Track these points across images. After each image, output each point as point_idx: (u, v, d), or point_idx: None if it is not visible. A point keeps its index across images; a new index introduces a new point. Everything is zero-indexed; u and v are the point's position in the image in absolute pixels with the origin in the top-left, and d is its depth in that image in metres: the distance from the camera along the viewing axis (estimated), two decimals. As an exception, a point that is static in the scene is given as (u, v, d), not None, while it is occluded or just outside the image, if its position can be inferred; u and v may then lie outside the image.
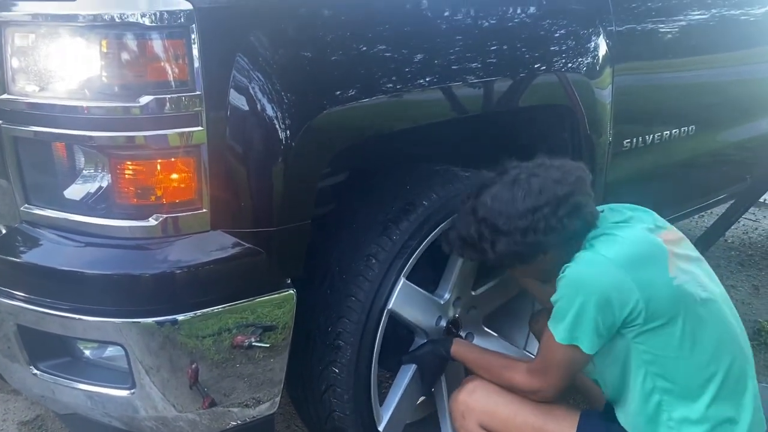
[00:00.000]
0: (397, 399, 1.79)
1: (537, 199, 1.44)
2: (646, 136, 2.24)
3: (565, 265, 1.45)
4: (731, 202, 2.82)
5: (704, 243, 2.61)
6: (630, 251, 1.42)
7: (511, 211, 1.46)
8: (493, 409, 1.61)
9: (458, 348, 1.75)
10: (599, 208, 1.57)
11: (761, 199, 4.65)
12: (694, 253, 1.57)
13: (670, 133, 2.33)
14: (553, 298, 1.46)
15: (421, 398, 1.92)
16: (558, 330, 1.44)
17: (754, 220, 4.30)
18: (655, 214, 1.60)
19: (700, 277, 1.49)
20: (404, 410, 1.83)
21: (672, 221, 2.87)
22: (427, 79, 1.58)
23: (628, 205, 1.61)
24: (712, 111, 2.57)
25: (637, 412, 1.50)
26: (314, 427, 1.86)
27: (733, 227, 4.13)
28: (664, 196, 2.59)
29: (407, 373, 1.80)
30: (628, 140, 2.17)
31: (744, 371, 1.51)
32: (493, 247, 1.49)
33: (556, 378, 1.51)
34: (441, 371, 1.82)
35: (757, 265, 3.62)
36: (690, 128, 2.40)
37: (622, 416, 1.55)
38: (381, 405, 1.77)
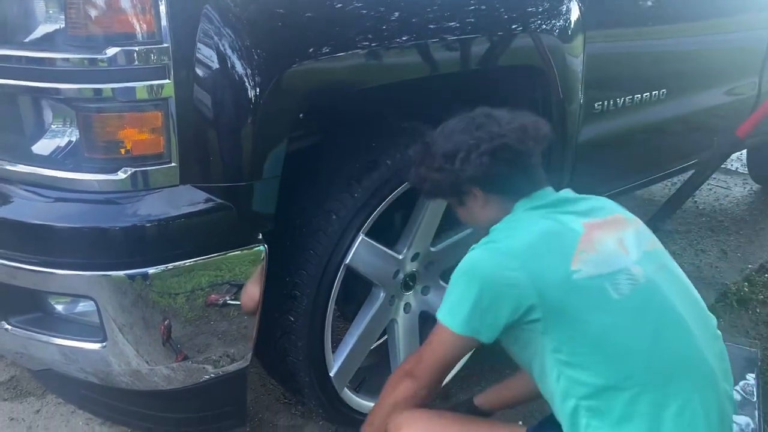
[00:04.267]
0: (349, 348, 1.83)
1: (471, 134, 1.41)
2: (618, 99, 2.26)
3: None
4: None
5: (670, 207, 2.66)
6: (526, 239, 1.32)
7: (444, 138, 1.44)
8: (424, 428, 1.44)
9: None
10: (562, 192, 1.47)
11: (733, 168, 4.76)
12: (643, 239, 1.40)
13: (641, 96, 2.35)
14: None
15: (374, 345, 1.97)
16: (440, 310, 1.36)
17: (725, 188, 4.38)
18: (601, 202, 1.47)
19: (632, 267, 1.30)
20: (356, 358, 1.87)
21: (644, 185, 2.94)
22: (404, 37, 1.57)
23: (584, 196, 1.48)
24: (683, 77, 2.59)
25: (558, 411, 1.36)
26: (268, 368, 1.91)
27: (704, 194, 4.22)
28: (636, 159, 2.63)
29: (361, 324, 1.84)
30: (599, 103, 2.19)
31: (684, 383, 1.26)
32: (417, 169, 1.48)
33: (430, 360, 1.39)
34: None
35: (727, 230, 3.69)
36: (661, 92, 2.43)
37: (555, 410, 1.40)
38: (334, 352, 1.81)
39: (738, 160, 4.80)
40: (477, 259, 1.34)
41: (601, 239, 1.33)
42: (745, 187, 4.41)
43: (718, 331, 1.42)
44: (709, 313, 1.42)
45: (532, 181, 1.44)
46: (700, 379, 1.28)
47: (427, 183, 1.47)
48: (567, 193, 1.46)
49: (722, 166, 4.71)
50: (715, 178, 4.52)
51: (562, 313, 1.26)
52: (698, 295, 1.42)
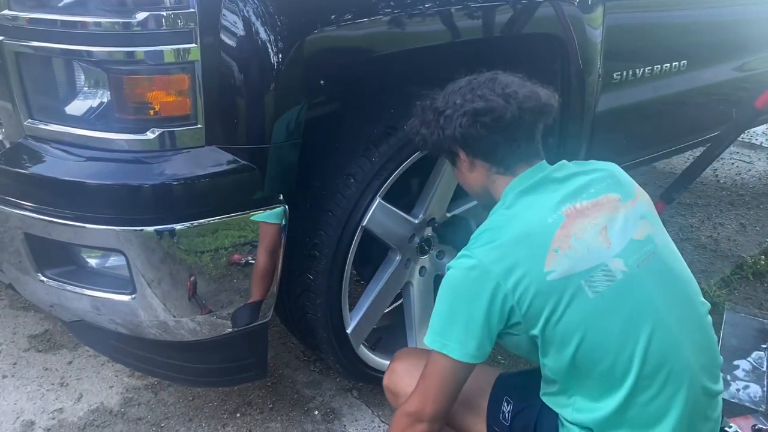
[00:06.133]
0: (365, 307, 1.88)
1: (463, 95, 1.37)
2: (637, 70, 2.26)
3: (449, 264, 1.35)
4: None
5: (686, 178, 2.64)
6: (502, 246, 1.28)
7: (442, 95, 1.42)
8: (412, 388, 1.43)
9: None
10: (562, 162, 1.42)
11: (757, 142, 4.70)
12: (631, 225, 1.34)
13: (661, 67, 2.34)
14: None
15: (389, 308, 2.02)
16: (427, 335, 1.33)
17: (748, 162, 4.33)
18: (598, 174, 1.39)
19: (610, 262, 1.27)
20: (371, 317, 1.92)
21: (662, 158, 2.93)
22: (427, 4, 1.60)
23: (586, 163, 1.44)
24: (703, 48, 2.57)
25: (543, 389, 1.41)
26: (288, 325, 1.96)
27: (726, 168, 4.19)
28: (654, 130, 2.62)
29: (377, 285, 1.89)
30: (618, 73, 2.19)
31: (665, 358, 1.27)
32: (413, 121, 1.48)
33: (431, 389, 1.32)
34: None
35: (747, 204, 3.67)
36: (681, 63, 2.41)
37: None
38: (350, 311, 1.86)
39: (763, 134, 4.74)
40: (455, 280, 1.31)
41: (581, 229, 1.29)
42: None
43: (708, 318, 1.39)
44: (703, 300, 1.40)
45: (519, 152, 1.38)
46: (672, 373, 1.27)
47: (417, 136, 1.47)
48: (560, 167, 1.40)
49: (747, 140, 4.69)
50: (738, 152, 4.47)
51: (540, 314, 1.25)
52: (690, 283, 1.39)
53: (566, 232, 1.28)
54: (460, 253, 1.33)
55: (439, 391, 1.32)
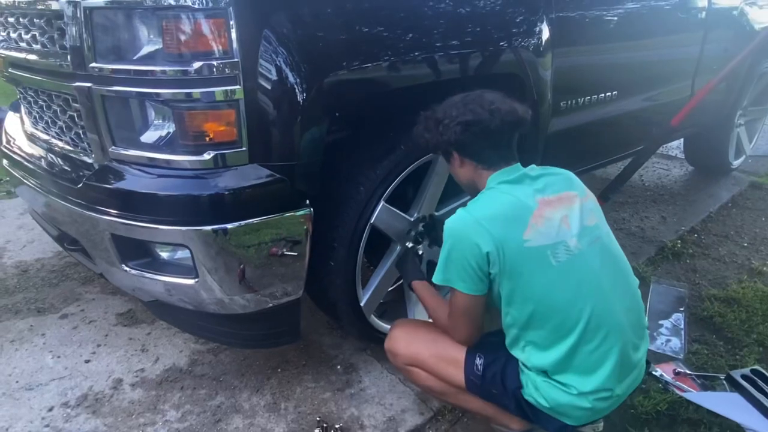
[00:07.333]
0: (374, 286, 1.87)
1: (458, 108, 1.37)
2: (579, 99, 2.24)
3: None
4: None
5: (618, 182, 2.63)
6: (493, 211, 1.29)
7: (441, 108, 1.41)
8: (406, 350, 1.53)
9: (416, 285, 1.62)
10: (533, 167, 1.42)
11: (673, 154, 4.67)
12: (585, 215, 1.34)
13: (597, 96, 2.33)
14: None
15: (393, 286, 2.01)
16: (435, 273, 1.34)
17: (666, 169, 4.30)
18: (559, 177, 1.40)
19: (569, 240, 1.29)
20: (379, 293, 1.91)
21: (600, 167, 2.91)
22: (416, 52, 1.59)
23: (549, 168, 1.44)
24: (631, 82, 2.55)
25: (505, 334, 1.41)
26: (315, 300, 1.95)
27: (649, 174, 4.16)
28: (593, 145, 2.61)
29: (383, 268, 1.88)
30: (565, 102, 2.17)
31: (601, 325, 1.27)
32: (418, 128, 1.45)
33: (458, 321, 1.38)
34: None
35: (666, 202, 3.65)
36: (613, 93, 2.40)
37: None
38: (363, 288, 1.85)
39: (677, 147, 4.71)
40: (455, 229, 1.30)
41: (549, 215, 1.29)
42: (681, 169, 4.34)
43: (638, 291, 1.40)
44: (634, 277, 1.40)
45: (499, 154, 1.38)
46: (608, 329, 1.28)
47: (421, 139, 1.46)
48: (531, 169, 1.40)
49: (665, 152, 4.67)
50: (658, 162, 4.45)
51: (513, 269, 1.26)
52: (625, 262, 1.39)
53: (540, 213, 1.29)
54: (458, 211, 1.32)
55: (463, 318, 1.37)
